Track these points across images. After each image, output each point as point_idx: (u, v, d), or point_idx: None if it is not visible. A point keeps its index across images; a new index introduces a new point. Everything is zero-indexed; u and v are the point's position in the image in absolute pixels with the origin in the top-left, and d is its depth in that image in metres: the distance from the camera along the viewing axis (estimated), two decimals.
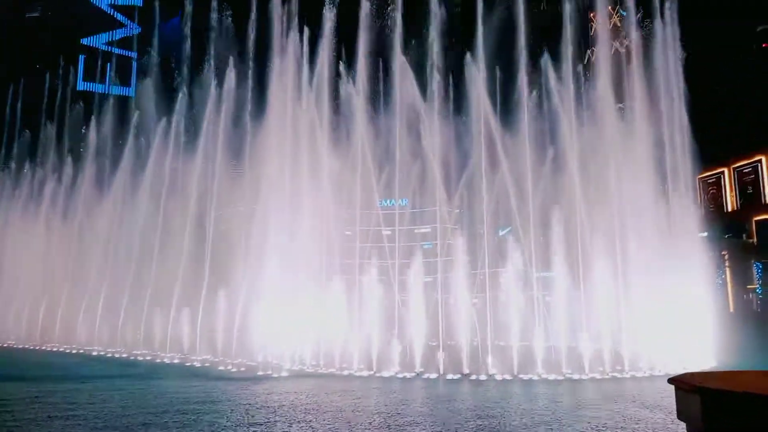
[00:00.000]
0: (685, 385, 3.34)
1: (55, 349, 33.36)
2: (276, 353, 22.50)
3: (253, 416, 12.60)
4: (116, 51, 68.65)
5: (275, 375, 20.88)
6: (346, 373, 21.16)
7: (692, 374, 3.53)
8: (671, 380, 3.55)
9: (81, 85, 66.27)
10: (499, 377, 19.64)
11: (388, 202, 33.85)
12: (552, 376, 19.58)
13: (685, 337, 20.76)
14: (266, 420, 12.27)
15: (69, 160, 42.34)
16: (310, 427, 11.54)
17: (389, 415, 12.90)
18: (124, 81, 66.95)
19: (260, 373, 21.43)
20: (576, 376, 19.64)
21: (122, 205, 35.47)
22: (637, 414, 12.92)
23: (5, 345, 36.30)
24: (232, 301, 25.39)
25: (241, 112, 30.10)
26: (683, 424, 3.37)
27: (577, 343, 22.51)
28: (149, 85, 38.98)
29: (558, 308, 26.28)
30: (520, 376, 19.70)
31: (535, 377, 19.55)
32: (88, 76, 66.91)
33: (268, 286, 23.68)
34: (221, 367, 23.39)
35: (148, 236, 32.18)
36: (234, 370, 22.73)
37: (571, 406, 14.46)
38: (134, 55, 68.24)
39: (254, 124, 28.90)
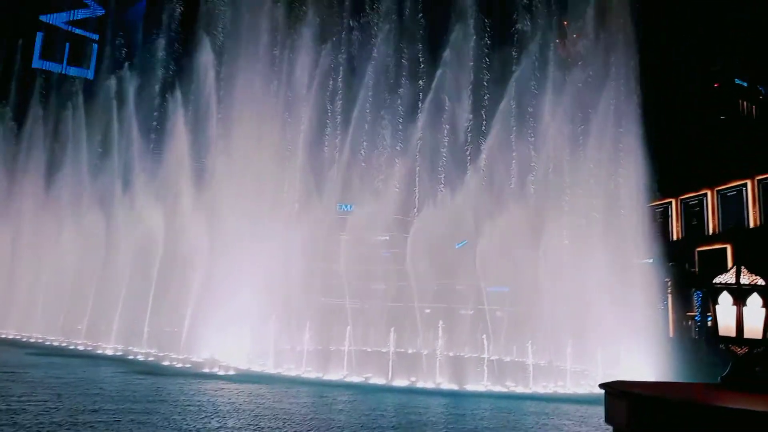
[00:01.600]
0: (613, 390, 3.53)
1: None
2: (223, 351, 22.12)
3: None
4: (77, 31, 66.39)
5: (221, 373, 20.54)
6: (293, 374, 20.99)
7: (622, 381, 3.74)
8: (602, 385, 3.73)
9: (37, 63, 63.78)
10: (445, 387, 19.85)
11: (345, 207, 33.77)
12: (497, 389, 19.92)
13: (627, 356, 21.51)
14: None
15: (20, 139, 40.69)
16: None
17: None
18: (83, 62, 64.77)
19: (206, 370, 21.06)
20: (520, 390, 20.04)
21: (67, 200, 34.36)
22: (563, 426, 13.34)
23: None
24: (183, 297, 24.88)
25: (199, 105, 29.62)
26: None
27: (525, 357, 23.04)
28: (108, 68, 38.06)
29: (505, 323, 26.87)
30: (467, 387, 19.95)
31: (482, 389, 19.85)
32: (46, 55, 64.44)
33: (218, 284, 23.36)
34: (166, 362, 22.86)
35: (96, 229, 31.31)
36: (179, 366, 22.24)
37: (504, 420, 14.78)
38: (95, 36, 66.12)
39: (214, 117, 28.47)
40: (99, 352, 26.15)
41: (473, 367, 21.77)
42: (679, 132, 44.04)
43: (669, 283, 36.49)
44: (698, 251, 40.97)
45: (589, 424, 13.77)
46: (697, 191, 43.19)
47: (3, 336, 31.49)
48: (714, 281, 3.71)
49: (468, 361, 23.95)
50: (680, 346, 26.37)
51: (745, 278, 3.63)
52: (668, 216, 45.15)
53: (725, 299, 3.64)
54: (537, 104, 27.99)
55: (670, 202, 45.02)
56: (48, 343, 29.12)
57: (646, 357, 21.83)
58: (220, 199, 25.55)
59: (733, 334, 3.59)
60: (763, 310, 3.57)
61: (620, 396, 3.46)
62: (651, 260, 32.83)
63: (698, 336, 38.04)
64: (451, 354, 24.46)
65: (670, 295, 37.12)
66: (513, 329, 25.94)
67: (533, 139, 27.45)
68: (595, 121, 26.11)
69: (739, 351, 3.59)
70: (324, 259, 29.87)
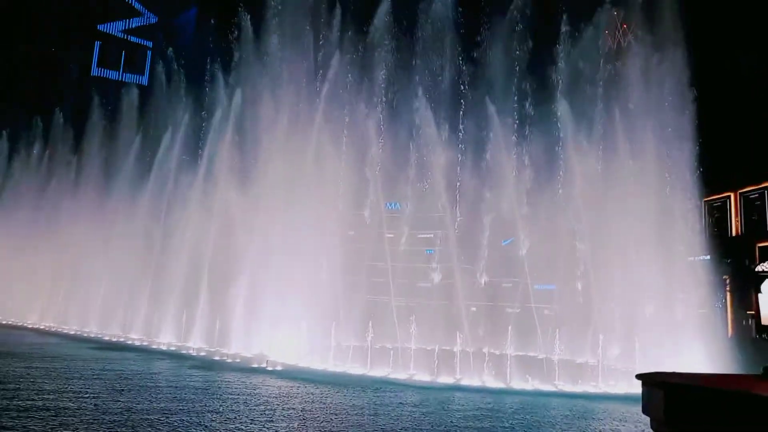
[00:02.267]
0: (650, 380, 3.51)
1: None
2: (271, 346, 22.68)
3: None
4: (132, 39, 69.26)
5: (269, 368, 21.07)
6: (339, 369, 21.31)
7: (658, 372, 3.71)
8: (638, 376, 3.71)
9: (95, 71, 66.81)
10: (492, 385, 19.71)
11: (392, 205, 33.96)
12: (545, 387, 19.63)
13: (683, 356, 20.79)
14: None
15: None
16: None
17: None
18: (138, 69, 67.49)
19: (255, 365, 21.64)
20: (568, 389, 19.68)
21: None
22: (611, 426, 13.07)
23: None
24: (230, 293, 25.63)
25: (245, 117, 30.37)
26: None
27: (574, 356, 22.61)
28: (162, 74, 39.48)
29: (556, 321, 26.39)
30: (513, 385, 19.75)
31: (529, 387, 19.61)
32: (103, 63, 67.47)
33: (265, 279, 23.95)
34: (217, 357, 23.61)
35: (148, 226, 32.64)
36: (230, 360, 22.93)
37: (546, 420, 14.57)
38: (149, 43, 68.78)
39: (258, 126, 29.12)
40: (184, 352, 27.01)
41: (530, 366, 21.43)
42: (738, 123, 42.03)
43: (727, 281, 34.95)
44: (759, 247, 39.02)
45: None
46: (758, 184, 41.13)
47: (66, 330, 33.25)
48: (757, 269, 3.61)
49: (518, 359, 23.62)
50: (740, 345, 25.21)
51: None
52: (726, 211, 43.17)
53: None
54: (586, 96, 27.35)
55: (729, 196, 43.04)
56: (116, 339, 30.49)
57: (702, 357, 21.03)
58: (271, 199, 26.20)
59: None
60: None
61: (657, 386, 3.44)
62: (707, 257, 31.57)
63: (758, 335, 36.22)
64: (499, 352, 24.30)
65: (728, 293, 35.50)
66: (562, 328, 25.44)
67: (583, 133, 26.82)
68: (647, 112, 25.32)
69: None
70: (371, 257, 30.13)
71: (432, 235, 33.39)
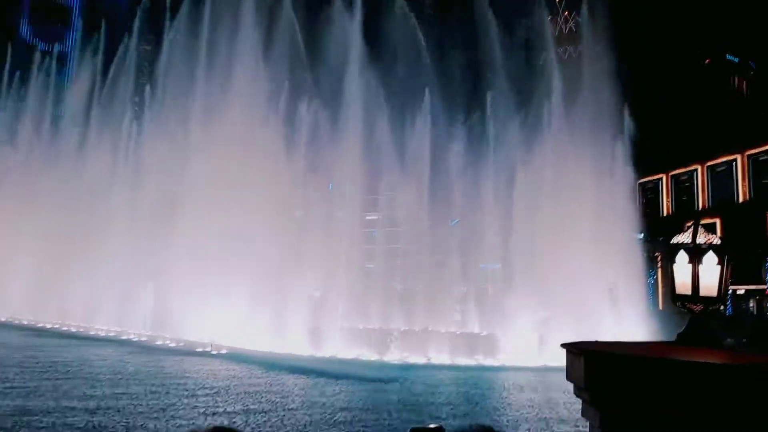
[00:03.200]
0: (572, 349, 3.64)
1: None
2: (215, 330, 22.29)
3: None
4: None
5: (214, 352, 20.76)
6: (285, 352, 21.22)
7: (581, 342, 3.86)
8: (563, 345, 3.84)
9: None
10: (436, 361, 20.16)
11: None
12: (489, 362, 20.23)
13: (612, 328, 21.83)
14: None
15: None
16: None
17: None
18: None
19: (199, 349, 21.27)
20: (514, 363, 20.32)
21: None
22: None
23: None
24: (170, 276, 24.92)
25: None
26: None
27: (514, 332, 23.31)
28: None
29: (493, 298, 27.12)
30: (457, 361, 20.27)
31: (473, 362, 20.16)
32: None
33: (206, 262, 23.45)
34: (159, 342, 23.05)
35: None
36: (173, 345, 22.44)
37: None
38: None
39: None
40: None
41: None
42: (671, 108, 44.05)
43: (659, 258, 36.87)
44: (687, 226, 41.27)
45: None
46: (688, 167, 43.38)
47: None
48: (671, 241, 3.81)
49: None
50: (669, 319, 26.75)
51: (701, 237, 3.74)
52: (659, 192, 45.40)
53: (682, 258, 3.74)
54: (530, 83, 27.95)
55: (661, 178, 45.23)
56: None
57: (632, 328, 22.16)
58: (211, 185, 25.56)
59: (689, 291, 3.70)
60: (719, 267, 3.68)
61: (578, 354, 3.58)
62: (641, 235, 33.19)
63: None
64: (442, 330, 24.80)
65: (660, 269, 37.50)
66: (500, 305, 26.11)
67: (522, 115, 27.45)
68: (581, 97, 26.12)
69: (695, 308, 3.71)
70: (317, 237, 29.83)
71: (377, 217, 33.46)
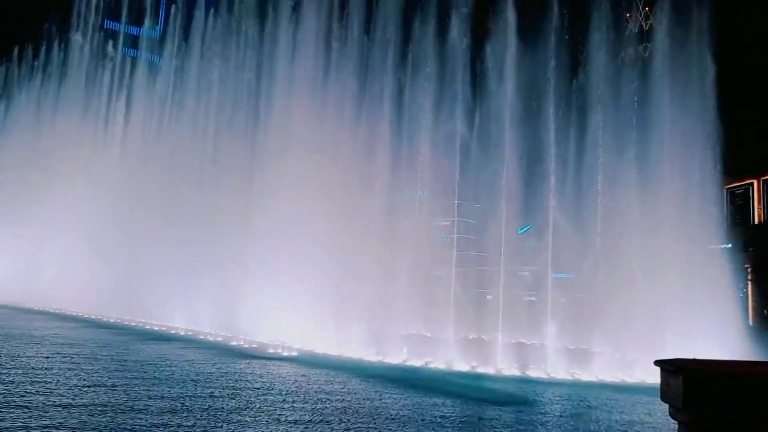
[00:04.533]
0: (668, 367, 3.42)
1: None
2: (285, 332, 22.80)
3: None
4: None
5: (284, 354, 21.24)
6: (356, 356, 21.38)
7: (677, 359, 3.61)
8: (657, 362, 3.63)
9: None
10: (507, 372, 19.68)
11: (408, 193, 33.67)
12: (560, 376, 19.54)
13: (701, 344, 20.50)
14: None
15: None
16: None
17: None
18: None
19: (271, 351, 21.83)
20: (585, 378, 19.54)
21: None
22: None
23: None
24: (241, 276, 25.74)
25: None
26: None
27: (589, 345, 22.41)
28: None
29: (571, 310, 26.20)
30: (529, 373, 19.69)
31: (544, 375, 19.52)
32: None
33: (279, 263, 24.04)
34: (234, 343, 23.85)
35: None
36: (246, 346, 23.16)
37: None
38: None
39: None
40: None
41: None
42: (763, 107, 41.05)
43: (749, 270, 34.38)
44: None
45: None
46: None
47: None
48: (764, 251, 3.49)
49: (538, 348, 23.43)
50: (761, 335, 24.84)
51: None
52: (749, 198, 42.35)
53: None
54: (607, 85, 26.89)
55: (751, 183, 42.19)
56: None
57: (721, 345, 20.72)
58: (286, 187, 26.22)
59: None
60: None
61: (675, 372, 3.35)
62: (729, 245, 31.01)
63: None
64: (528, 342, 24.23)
65: (750, 282, 34.92)
66: (577, 317, 25.24)
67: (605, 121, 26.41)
68: (665, 97, 24.82)
69: None
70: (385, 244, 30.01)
71: (448, 223, 33.26)
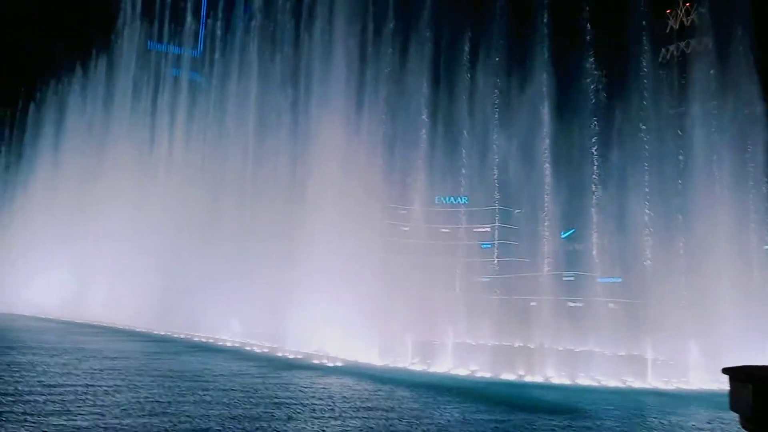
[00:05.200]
0: (737, 375, 3.23)
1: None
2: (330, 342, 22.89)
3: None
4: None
5: (329, 364, 21.29)
6: (400, 366, 21.26)
7: (746, 366, 3.40)
8: (725, 370, 3.44)
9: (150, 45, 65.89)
10: (556, 381, 19.18)
11: (445, 199, 33.58)
12: (612, 383, 18.92)
13: (759, 351, 19.54)
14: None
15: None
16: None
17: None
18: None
19: (315, 361, 21.93)
20: (638, 385, 18.86)
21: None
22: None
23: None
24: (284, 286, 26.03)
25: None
26: None
27: (643, 351, 21.65)
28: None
29: (621, 315, 25.42)
30: (579, 381, 19.14)
31: (594, 383, 18.95)
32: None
33: (323, 275, 24.19)
34: (279, 354, 24.09)
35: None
36: (291, 357, 23.36)
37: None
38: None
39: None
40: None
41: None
42: None
43: None
44: None
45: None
46: None
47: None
48: None
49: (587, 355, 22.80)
50: None
51: None
52: None
53: None
54: (657, 81, 26.21)
55: None
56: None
57: None
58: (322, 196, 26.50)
59: None
60: None
61: (744, 381, 3.15)
62: None
63: None
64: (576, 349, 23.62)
65: None
66: (629, 322, 24.46)
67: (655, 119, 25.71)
68: (712, 94, 23.95)
69: None
70: (424, 252, 29.95)
71: (489, 229, 32.92)
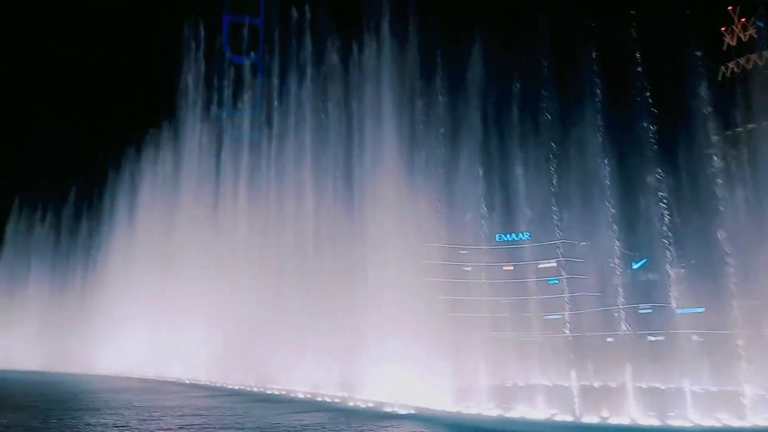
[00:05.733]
0: None
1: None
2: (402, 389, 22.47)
3: None
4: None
5: (402, 412, 20.87)
6: (474, 412, 20.58)
7: None
8: None
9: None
10: (644, 423, 17.97)
11: (507, 236, 33.07)
12: (707, 423, 17.55)
13: None
14: None
15: None
16: None
17: None
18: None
19: (387, 410, 21.55)
20: (736, 424, 17.41)
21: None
22: None
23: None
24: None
25: None
26: None
27: (737, 386, 20.07)
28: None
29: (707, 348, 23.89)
30: (670, 422, 17.84)
31: (688, 424, 17.63)
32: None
33: (391, 323, 24.01)
34: (351, 403, 23.86)
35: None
36: (363, 406, 23.07)
37: None
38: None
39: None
40: None
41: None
42: None
43: None
44: None
45: None
46: None
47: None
48: None
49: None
50: None
51: None
52: None
53: None
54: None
55: None
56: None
57: None
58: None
59: None
60: None
61: None
62: None
63: None
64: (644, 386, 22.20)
65: None
66: (717, 356, 22.85)
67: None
68: None
69: None
70: (491, 292, 29.44)
71: (555, 264, 32.10)
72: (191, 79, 49.08)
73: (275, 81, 42.16)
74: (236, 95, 50.77)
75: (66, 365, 50.85)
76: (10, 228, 66.08)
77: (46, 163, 72.29)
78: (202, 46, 50.40)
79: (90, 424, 17.79)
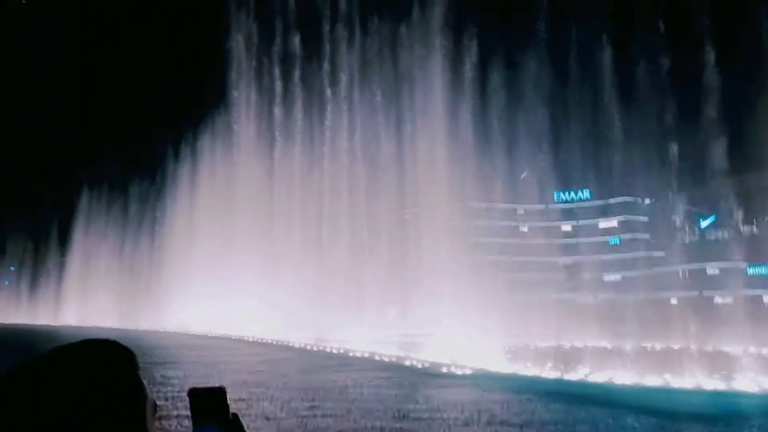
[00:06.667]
0: None
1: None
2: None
3: None
4: None
5: (459, 372, 21.08)
6: (531, 374, 20.54)
7: None
8: None
9: None
10: (707, 386, 17.45)
11: (565, 194, 32.12)
12: None
13: None
14: None
15: None
16: None
17: None
18: None
19: (444, 370, 21.81)
20: None
21: None
22: None
23: None
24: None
25: None
26: None
27: None
28: None
29: None
30: (736, 385, 17.26)
31: (756, 389, 16.96)
32: None
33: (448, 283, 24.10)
34: (407, 362, 24.31)
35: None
36: (419, 366, 23.46)
37: None
38: None
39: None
40: None
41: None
42: None
43: None
44: None
45: None
46: None
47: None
48: None
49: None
50: None
51: None
52: None
53: None
54: None
55: None
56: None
57: None
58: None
59: None
60: None
61: None
62: None
63: None
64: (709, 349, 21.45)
65: None
66: None
67: None
68: None
69: None
70: (545, 252, 28.91)
71: (615, 224, 31.07)
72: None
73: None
74: None
75: (136, 323, 54.69)
76: (82, 207, 72.64)
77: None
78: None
79: (167, 377, 18.90)
